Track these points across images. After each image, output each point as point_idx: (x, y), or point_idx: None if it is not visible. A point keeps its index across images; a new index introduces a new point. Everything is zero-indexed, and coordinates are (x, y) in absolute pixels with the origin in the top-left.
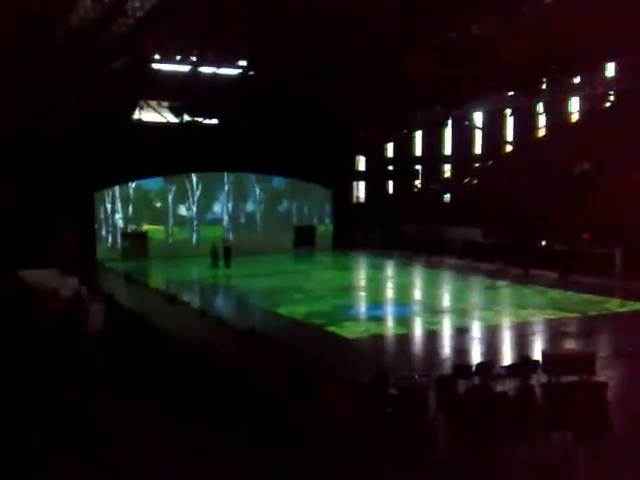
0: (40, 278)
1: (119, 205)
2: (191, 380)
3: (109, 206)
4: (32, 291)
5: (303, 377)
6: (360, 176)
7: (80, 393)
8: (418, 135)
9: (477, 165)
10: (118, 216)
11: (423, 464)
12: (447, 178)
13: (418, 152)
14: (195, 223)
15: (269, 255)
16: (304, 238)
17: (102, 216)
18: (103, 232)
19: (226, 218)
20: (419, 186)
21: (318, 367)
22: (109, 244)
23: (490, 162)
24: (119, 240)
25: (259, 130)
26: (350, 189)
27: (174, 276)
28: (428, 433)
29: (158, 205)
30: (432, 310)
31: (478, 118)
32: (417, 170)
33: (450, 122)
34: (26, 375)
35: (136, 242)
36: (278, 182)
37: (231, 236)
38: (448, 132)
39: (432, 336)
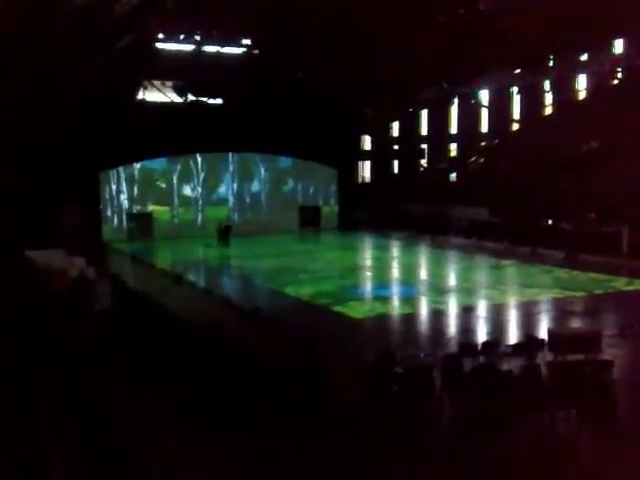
0: (47, 259)
1: (124, 186)
2: (197, 359)
3: (114, 187)
4: (39, 271)
5: (310, 355)
6: (365, 156)
7: (87, 370)
8: (424, 114)
9: (483, 144)
10: (123, 197)
11: (428, 442)
12: (453, 157)
13: (424, 131)
14: (200, 204)
15: (274, 235)
16: (309, 218)
17: (107, 197)
18: (109, 213)
19: (231, 198)
20: (425, 165)
21: (324, 346)
22: (115, 225)
23: (496, 140)
24: (125, 221)
25: (263, 110)
26: (355, 169)
27: (180, 256)
28: (434, 411)
29: (163, 186)
30: (438, 289)
31: (484, 96)
32: (423, 149)
33: (456, 100)
34: (31, 354)
35: (142, 223)
36: (283, 162)
37: (236, 217)
38: (454, 110)
39: (438, 315)
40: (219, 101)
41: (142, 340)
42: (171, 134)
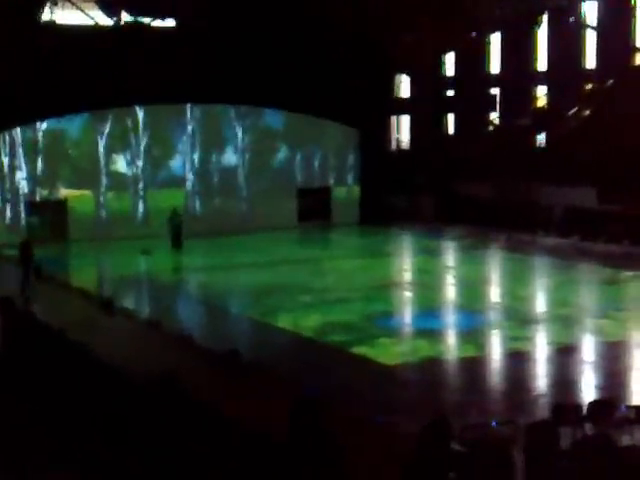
0: None
1: (22, 159)
2: (141, 428)
3: (6, 160)
4: None
5: (315, 427)
6: (402, 108)
7: None
8: (495, 40)
9: (589, 87)
10: (20, 175)
11: None
12: (541, 108)
13: (495, 68)
14: (141, 186)
15: (260, 234)
16: (314, 207)
17: None
18: None
19: (190, 177)
20: (496, 122)
21: (339, 410)
22: (7, 219)
23: (610, 82)
24: (23, 213)
25: (239, 36)
26: (386, 129)
27: (110, 269)
28: None
29: (83, 158)
30: (518, 319)
31: (591, 11)
32: (494, 96)
33: (546, 19)
34: None
35: (50, 216)
36: (272, 119)
37: (198, 206)
38: (543, 35)
39: (518, 360)
40: (170, 23)
41: (50, 400)
42: (94, 76)
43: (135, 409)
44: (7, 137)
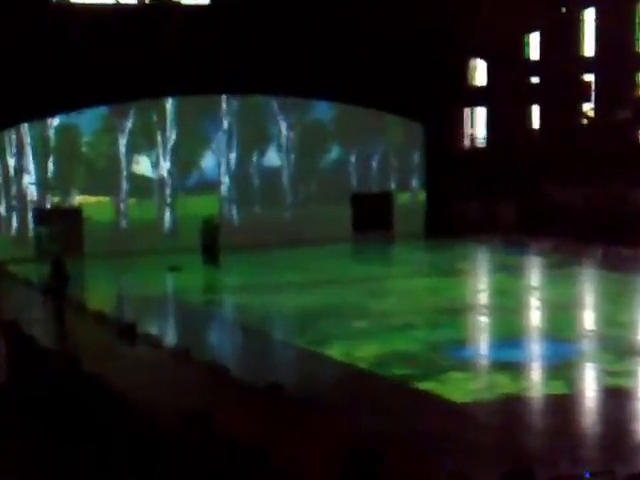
0: None
1: (30, 160)
2: (168, 475)
3: (12, 162)
4: None
5: (373, 474)
6: (477, 98)
7: None
8: (589, 16)
9: None
10: (28, 180)
11: None
12: None
13: (589, 50)
14: (168, 191)
15: (308, 248)
16: (372, 216)
17: (0, 180)
18: (2, 209)
19: (226, 180)
20: (591, 115)
21: (400, 455)
22: (13, 230)
23: None
24: (31, 223)
25: (285, 17)
26: (458, 123)
27: (132, 289)
28: None
29: (100, 159)
30: (617, 350)
31: None
32: (588, 84)
33: None
34: None
35: (62, 227)
36: (322, 112)
37: (236, 213)
38: None
39: (618, 398)
40: (203, 0)
41: (63, 438)
42: (114, 63)
43: (161, 450)
44: (13, 135)
